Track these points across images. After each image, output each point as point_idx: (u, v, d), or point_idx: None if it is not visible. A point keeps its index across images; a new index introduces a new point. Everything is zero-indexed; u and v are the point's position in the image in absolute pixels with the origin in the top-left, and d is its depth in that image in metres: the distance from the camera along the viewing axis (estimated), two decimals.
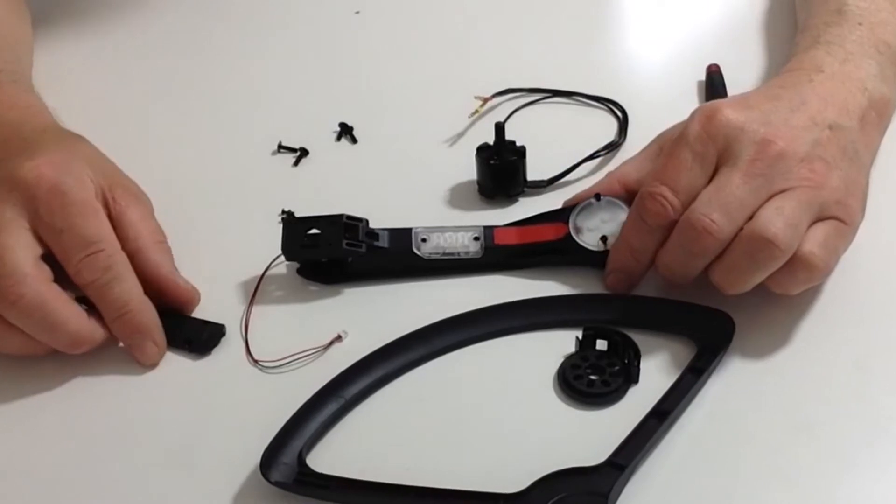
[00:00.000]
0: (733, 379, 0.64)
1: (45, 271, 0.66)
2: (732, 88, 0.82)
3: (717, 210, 0.63)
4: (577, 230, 0.71)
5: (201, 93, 0.89)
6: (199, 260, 0.73)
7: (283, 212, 0.76)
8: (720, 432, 0.61)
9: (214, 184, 0.80)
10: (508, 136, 0.75)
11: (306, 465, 0.60)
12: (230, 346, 0.68)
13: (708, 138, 0.65)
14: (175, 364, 0.68)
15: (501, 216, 0.74)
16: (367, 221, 0.71)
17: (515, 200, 0.76)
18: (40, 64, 0.88)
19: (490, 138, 0.76)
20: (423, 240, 0.72)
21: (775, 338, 0.66)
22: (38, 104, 0.77)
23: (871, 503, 0.58)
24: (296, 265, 0.72)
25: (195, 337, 0.68)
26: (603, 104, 0.84)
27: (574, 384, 0.64)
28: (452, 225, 0.73)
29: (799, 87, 0.69)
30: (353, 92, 0.87)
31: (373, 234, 0.71)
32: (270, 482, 0.59)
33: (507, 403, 0.64)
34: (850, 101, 0.68)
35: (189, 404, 0.66)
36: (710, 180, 0.65)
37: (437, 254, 0.72)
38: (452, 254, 0.72)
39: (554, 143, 0.80)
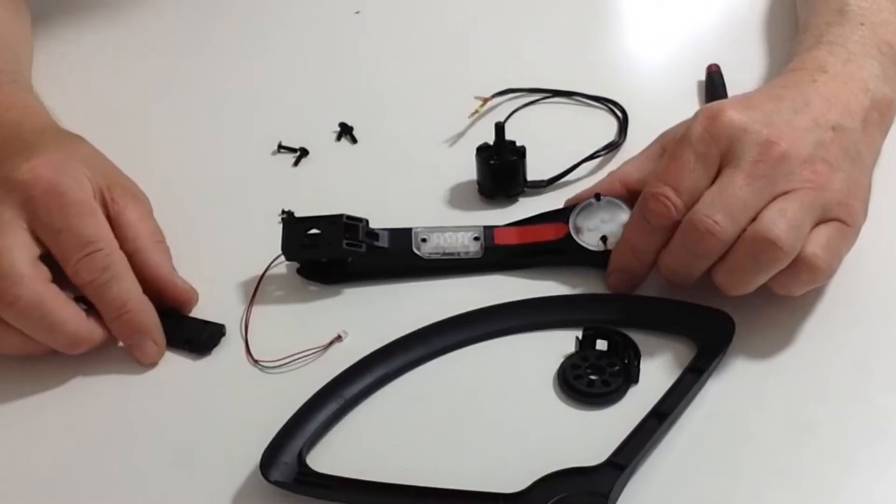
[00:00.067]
0: (733, 379, 0.64)
1: (44, 272, 0.66)
2: (732, 88, 0.82)
3: (720, 211, 0.63)
4: (578, 230, 0.71)
5: (201, 93, 0.89)
6: (198, 260, 0.73)
7: (283, 212, 0.76)
8: (720, 432, 0.61)
9: (214, 184, 0.80)
10: (508, 136, 0.75)
11: (306, 465, 0.60)
12: (230, 346, 0.68)
13: (711, 139, 0.65)
14: (175, 364, 0.68)
15: (501, 216, 0.74)
16: (367, 221, 0.71)
17: (515, 200, 0.76)
18: (40, 64, 0.88)
19: (490, 138, 0.76)
20: (423, 240, 0.72)
21: (776, 338, 0.66)
22: (36, 104, 0.77)
23: (872, 503, 0.58)
24: (296, 265, 0.72)
25: (195, 337, 0.68)
26: (603, 104, 0.84)
27: (574, 384, 0.64)
28: (452, 225, 0.73)
29: (802, 87, 0.69)
30: (353, 92, 0.87)
31: (373, 234, 0.71)
32: (270, 482, 0.59)
33: (507, 403, 0.64)
34: (853, 102, 0.68)
35: (189, 404, 0.66)
36: (713, 181, 0.65)
37: (437, 254, 0.72)
38: (452, 254, 0.72)
39: (554, 143, 0.80)
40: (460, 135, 0.82)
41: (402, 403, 0.65)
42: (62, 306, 0.65)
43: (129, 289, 0.67)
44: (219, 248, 0.75)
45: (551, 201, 0.74)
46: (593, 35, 0.94)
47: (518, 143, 0.76)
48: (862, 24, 0.74)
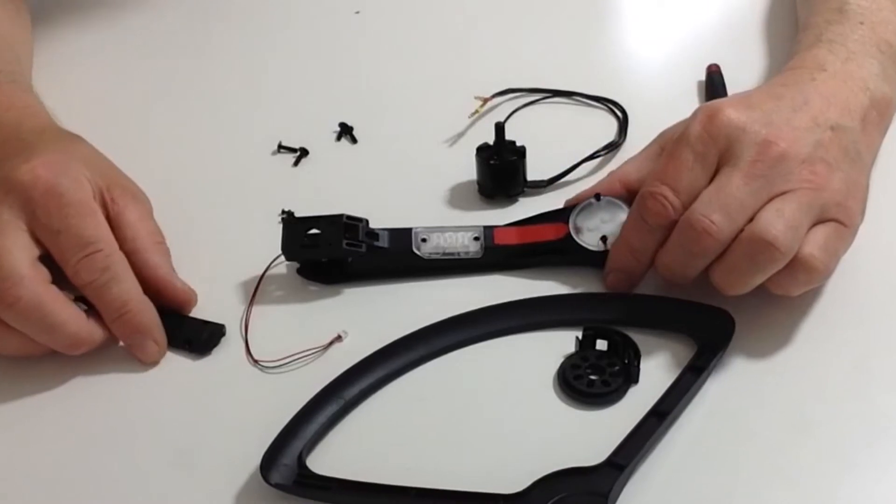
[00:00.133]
0: (733, 378, 0.64)
1: (43, 273, 0.66)
2: (732, 88, 0.82)
3: (718, 211, 0.63)
4: (577, 230, 0.71)
5: (201, 93, 0.89)
6: (199, 260, 0.73)
7: (283, 212, 0.76)
8: (720, 432, 0.61)
9: (214, 184, 0.80)
10: (508, 136, 0.75)
11: (306, 467, 0.60)
12: (230, 346, 0.68)
13: (709, 138, 0.65)
14: (175, 364, 0.68)
15: (501, 216, 0.74)
16: (366, 221, 0.71)
17: (515, 200, 0.76)
18: (40, 64, 0.88)
19: (490, 138, 0.76)
20: (423, 240, 0.72)
21: (775, 337, 0.66)
22: (36, 104, 0.77)
23: (872, 503, 0.58)
24: (296, 265, 0.72)
25: (195, 337, 0.68)
26: (603, 104, 0.83)
27: (574, 384, 0.64)
28: (452, 225, 0.73)
29: (801, 85, 0.69)
30: (353, 92, 0.87)
31: (373, 234, 0.71)
32: (270, 484, 0.59)
33: (507, 403, 0.64)
34: (852, 101, 0.68)
35: (189, 404, 0.66)
36: (711, 180, 0.65)
37: (437, 254, 0.72)
38: (452, 254, 0.72)
39: (554, 143, 0.80)
40: (460, 135, 0.82)
41: (402, 404, 0.65)
42: (62, 307, 0.65)
43: (129, 289, 0.67)
44: (219, 248, 0.75)
45: (551, 201, 0.74)
46: (593, 35, 0.93)
47: (518, 143, 0.76)
48: (861, 23, 0.74)
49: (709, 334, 0.65)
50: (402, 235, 0.72)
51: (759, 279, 0.63)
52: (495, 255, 0.72)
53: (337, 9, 0.96)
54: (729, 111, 0.65)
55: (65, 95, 0.84)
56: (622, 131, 0.81)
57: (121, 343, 0.68)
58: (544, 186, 0.77)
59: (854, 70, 0.70)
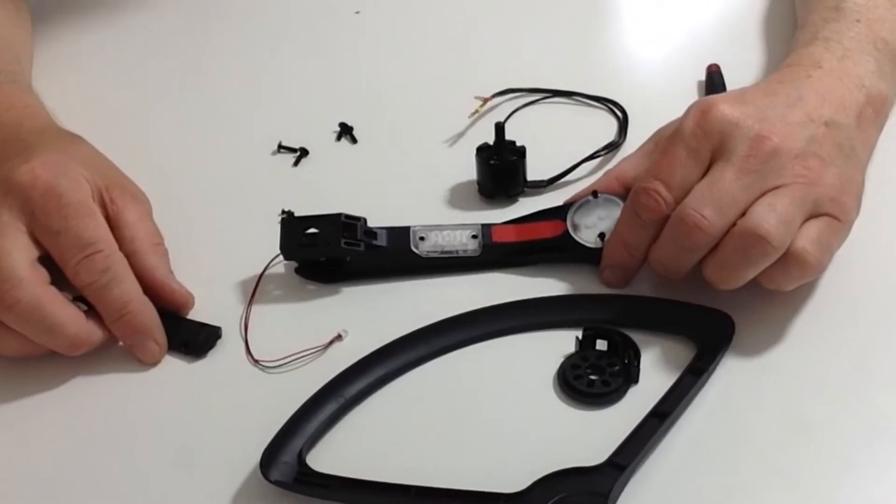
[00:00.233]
0: (733, 379, 0.64)
1: (43, 274, 0.66)
2: (732, 88, 0.81)
3: (709, 206, 0.63)
4: (575, 227, 0.71)
5: (201, 93, 0.89)
6: (198, 260, 0.73)
7: (283, 212, 0.75)
8: (720, 432, 0.61)
9: (214, 184, 0.80)
10: (508, 136, 0.75)
11: (306, 465, 0.60)
12: (230, 346, 0.68)
13: (702, 134, 0.65)
14: (175, 363, 0.68)
15: (501, 216, 0.74)
16: (365, 220, 0.71)
17: (515, 200, 0.76)
18: (40, 64, 0.88)
19: (490, 138, 0.76)
20: (422, 238, 0.72)
21: (775, 338, 0.66)
22: (36, 104, 0.77)
23: (872, 503, 0.58)
24: (294, 264, 0.72)
25: (192, 339, 0.68)
26: (603, 104, 0.84)
27: (574, 384, 0.64)
28: (450, 223, 0.73)
29: (796, 82, 0.69)
30: (353, 92, 0.87)
31: (371, 233, 0.71)
32: (270, 481, 0.59)
33: (507, 403, 0.64)
34: (848, 98, 0.68)
35: (189, 404, 0.66)
36: (704, 175, 0.65)
37: (436, 252, 0.72)
38: (451, 252, 0.72)
39: (554, 143, 0.80)
40: (460, 135, 0.82)
41: (402, 403, 0.65)
42: (61, 308, 0.65)
43: (129, 290, 0.67)
44: (218, 247, 0.75)
45: (551, 201, 0.74)
46: (593, 35, 0.93)
47: (518, 143, 0.76)
48: (858, 21, 0.74)
49: (709, 336, 0.65)
50: (400, 234, 0.72)
51: (751, 273, 0.63)
52: (493, 253, 0.72)
53: (337, 9, 0.96)
54: (722, 106, 0.65)
55: (65, 95, 0.84)
56: (622, 131, 0.81)
57: (120, 343, 0.68)
58: (544, 186, 0.77)
59: (850, 67, 0.70)
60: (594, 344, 0.66)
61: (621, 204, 0.70)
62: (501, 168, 0.75)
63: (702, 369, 0.63)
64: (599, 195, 0.71)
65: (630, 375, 0.64)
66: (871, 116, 0.69)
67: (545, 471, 0.58)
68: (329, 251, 0.70)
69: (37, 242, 0.67)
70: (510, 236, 0.72)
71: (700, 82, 0.84)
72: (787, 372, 0.64)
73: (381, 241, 0.71)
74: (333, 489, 0.59)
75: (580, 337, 0.66)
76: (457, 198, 0.77)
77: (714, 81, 0.83)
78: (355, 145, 0.83)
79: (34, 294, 0.64)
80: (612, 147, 0.79)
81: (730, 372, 0.64)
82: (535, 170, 0.76)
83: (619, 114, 0.82)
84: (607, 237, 0.69)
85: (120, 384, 0.67)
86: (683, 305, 0.67)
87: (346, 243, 0.70)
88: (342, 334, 0.68)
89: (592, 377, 0.64)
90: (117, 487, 0.62)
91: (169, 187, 0.77)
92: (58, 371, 0.67)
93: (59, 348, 0.66)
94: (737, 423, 0.62)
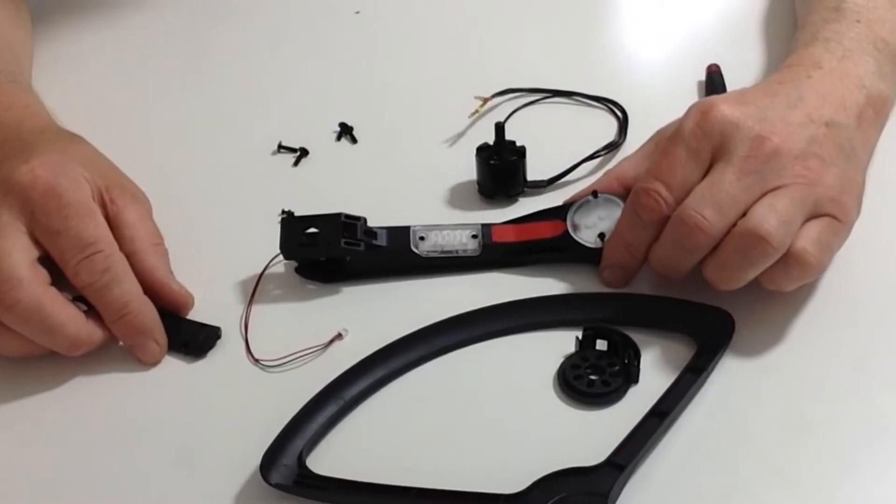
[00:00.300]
0: (733, 379, 0.64)
1: (43, 274, 0.66)
2: (732, 88, 0.81)
3: (710, 207, 0.63)
4: (575, 227, 0.71)
5: (201, 93, 0.89)
6: (198, 259, 0.73)
7: (283, 212, 0.75)
8: (720, 432, 0.61)
9: (214, 184, 0.80)
10: (508, 136, 0.75)
11: (306, 467, 0.60)
12: (230, 346, 0.68)
13: (703, 134, 0.65)
14: (175, 363, 0.68)
15: (501, 216, 0.74)
16: (364, 220, 0.71)
17: (515, 200, 0.76)
18: (40, 64, 0.88)
19: (490, 138, 0.76)
20: (422, 238, 0.72)
21: (775, 337, 0.66)
22: (36, 104, 0.77)
23: (871, 503, 0.58)
24: (294, 264, 0.72)
25: (191, 339, 0.68)
26: (603, 104, 0.84)
27: (574, 384, 0.64)
28: (450, 223, 0.73)
29: (797, 82, 0.69)
30: (353, 92, 0.87)
31: (371, 233, 0.71)
32: (270, 484, 0.59)
33: (507, 403, 0.64)
34: (848, 98, 0.68)
35: (189, 404, 0.66)
36: (704, 176, 0.65)
37: (436, 252, 0.72)
38: (450, 252, 0.72)
39: (554, 143, 0.80)
40: (460, 135, 0.82)
41: (401, 404, 0.65)
42: (61, 309, 0.65)
43: (129, 290, 0.67)
44: (218, 247, 0.75)
45: (551, 201, 0.74)
46: (593, 35, 0.93)
47: (518, 143, 0.76)
48: (858, 21, 0.74)
49: (709, 334, 0.65)
50: (400, 234, 0.72)
51: (751, 274, 0.63)
52: (493, 253, 0.72)
53: (337, 9, 0.96)
54: (723, 107, 0.65)
55: (65, 95, 0.84)
56: (622, 131, 0.81)
57: (121, 343, 0.68)
58: (544, 186, 0.77)
59: (850, 68, 0.70)
60: (594, 344, 0.66)
61: (621, 204, 0.70)
62: (501, 168, 0.75)
63: (702, 367, 0.63)
64: (599, 195, 0.71)
65: (630, 375, 0.64)
66: (871, 117, 0.69)
67: (545, 471, 0.58)
68: (329, 251, 0.70)
69: (37, 243, 0.67)
70: (510, 236, 0.72)
71: (700, 82, 0.84)
72: (787, 372, 0.64)
73: (381, 240, 0.71)
74: (333, 492, 0.59)
75: (580, 337, 0.66)
76: (457, 198, 0.77)
77: (714, 81, 0.83)
78: (355, 145, 0.83)
79: (34, 294, 0.64)
80: (612, 147, 0.79)
81: (730, 372, 0.64)
82: (535, 170, 0.76)
83: (619, 114, 0.82)
84: (607, 237, 0.69)
85: (120, 384, 0.67)
86: (683, 303, 0.67)
87: (346, 243, 0.70)
88: (342, 333, 0.68)
89: (592, 377, 0.64)
90: (117, 487, 0.62)
91: (169, 187, 0.77)
92: (58, 371, 0.67)
93: (59, 348, 0.66)
94: (737, 422, 0.62)
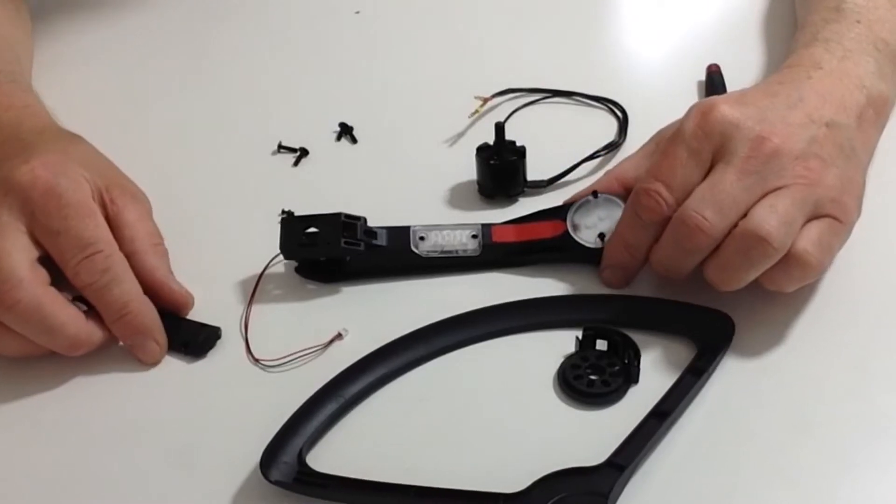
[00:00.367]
0: (733, 379, 0.64)
1: (42, 274, 0.66)
2: (732, 88, 0.81)
3: (710, 207, 0.63)
4: (575, 227, 0.71)
5: (201, 93, 0.89)
6: (198, 260, 0.73)
7: (283, 212, 0.75)
8: (720, 432, 0.61)
9: (214, 184, 0.80)
10: (508, 136, 0.75)
11: (306, 465, 0.60)
12: (230, 346, 0.68)
13: (703, 135, 0.65)
14: (175, 363, 0.68)
15: (501, 216, 0.74)
16: (364, 220, 0.71)
17: (515, 200, 0.76)
18: (40, 64, 0.88)
19: (490, 138, 0.76)
20: (422, 238, 0.72)
21: (775, 338, 0.66)
22: (36, 104, 0.77)
23: (871, 503, 0.58)
24: (294, 264, 0.72)
25: (192, 339, 0.68)
26: (603, 104, 0.84)
27: (574, 384, 0.64)
28: (450, 223, 0.73)
29: (797, 83, 0.69)
30: (353, 92, 0.87)
31: (371, 233, 0.71)
32: (270, 481, 0.59)
33: (507, 403, 0.64)
34: (848, 99, 0.68)
35: (189, 404, 0.66)
36: (705, 176, 0.65)
37: (436, 252, 0.72)
38: (450, 252, 0.72)
39: (554, 143, 0.80)
40: (460, 135, 0.82)
41: (401, 403, 0.65)
42: (61, 309, 0.65)
43: (129, 290, 0.67)
44: (218, 247, 0.75)
45: (551, 201, 0.74)
46: (593, 35, 0.94)
47: (518, 143, 0.76)
48: (858, 22, 0.74)
49: (709, 336, 0.65)
50: (400, 234, 0.72)
51: (752, 275, 0.63)
52: (493, 253, 0.72)
53: (337, 9, 0.96)
54: (723, 107, 0.65)
55: (65, 95, 0.84)
56: (622, 131, 0.81)
57: (121, 343, 0.68)
58: (544, 186, 0.77)
59: (850, 68, 0.70)
60: (594, 344, 0.66)
61: (621, 204, 0.70)
62: (501, 168, 0.75)
63: (702, 369, 0.63)
64: (599, 195, 0.71)
65: (630, 375, 0.64)
66: (871, 117, 0.69)
67: (545, 471, 0.58)
68: (329, 251, 0.70)
69: (37, 243, 0.67)
70: (510, 236, 0.72)
71: (700, 82, 0.84)
72: (788, 372, 0.64)
73: (381, 240, 0.71)
74: (333, 489, 0.59)
75: (580, 337, 0.66)
76: (457, 198, 0.77)
77: (714, 81, 0.83)
78: (355, 145, 0.83)
79: (34, 295, 0.64)
80: (612, 147, 0.79)
81: (730, 372, 0.64)
82: (535, 170, 0.76)
83: (619, 114, 0.82)
84: (607, 237, 0.69)
85: (120, 384, 0.67)
86: (683, 305, 0.67)
87: (345, 243, 0.70)
88: (342, 333, 0.68)
89: (592, 377, 0.64)
90: (117, 487, 0.62)
91: (169, 187, 0.77)
92: (58, 371, 0.67)
93: (59, 349, 0.66)
94: (737, 423, 0.62)
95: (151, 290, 0.69)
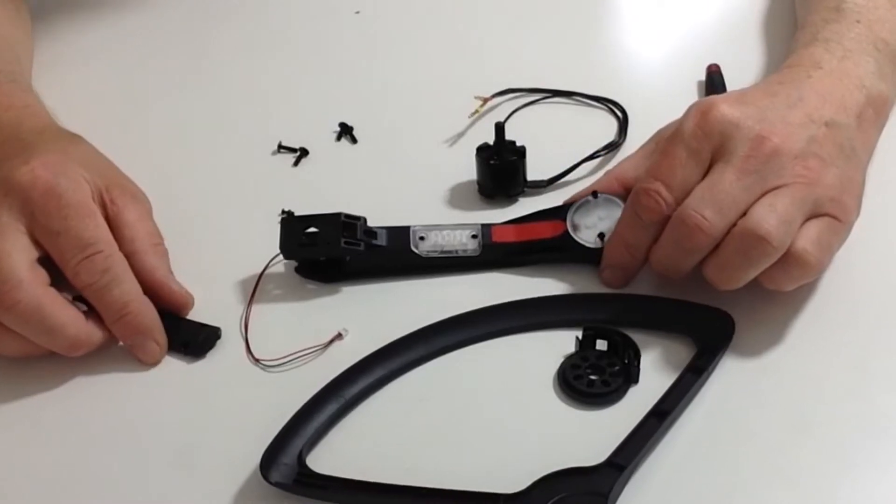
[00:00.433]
0: (733, 379, 0.64)
1: (42, 275, 0.66)
2: (732, 88, 0.81)
3: (710, 207, 0.63)
4: (575, 227, 0.71)
5: (201, 93, 0.89)
6: (198, 259, 0.73)
7: (283, 212, 0.75)
8: (720, 432, 0.61)
9: (214, 184, 0.80)
10: (508, 136, 0.75)
11: (306, 466, 0.60)
12: (230, 346, 0.68)
13: (703, 134, 0.65)
14: (175, 363, 0.68)
15: (501, 216, 0.74)
16: (364, 220, 0.71)
17: (515, 200, 0.76)
18: (40, 64, 0.88)
19: (490, 138, 0.76)
20: (422, 238, 0.72)
21: (775, 338, 0.66)
22: (36, 104, 0.77)
23: (871, 503, 0.58)
24: (294, 264, 0.72)
25: (191, 339, 0.68)
26: (603, 104, 0.84)
27: (574, 384, 0.64)
28: (450, 223, 0.73)
29: (797, 83, 0.69)
30: (353, 92, 0.87)
31: (371, 233, 0.71)
32: (270, 483, 0.59)
33: (507, 403, 0.64)
34: (848, 99, 0.68)
35: (189, 404, 0.66)
36: (704, 176, 0.65)
37: (436, 252, 0.72)
38: (450, 252, 0.72)
39: (554, 143, 0.80)
40: (460, 135, 0.82)
41: (402, 403, 0.65)
42: (61, 309, 0.65)
43: (129, 290, 0.67)
44: (218, 247, 0.75)
45: (551, 201, 0.74)
46: (593, 35, 0.94)
47: (518, 143, 0.76)
48: (858, 21, 0.74)
49: (709, 335, 0.65)
50: (400, 234, 0.72)
51: (751, 274, 0.63)
52: (493, 253, 0.72)
53: (337, 9, 0.96)
54: (723, 107, 0.65)
55: (65, 95, 0.84)
56: (622, 131, 0.81)
57: (121, 343, 0.68)
58: (544, 186, 0.77)
59: (850, 68, 0.70)
60: (594, 344, 0.66)
61: (621, 204, 0.70)
62: (501, 168, 0.75)
63: (702, 368, 0.63)
64: (599, 195, 0.71)
65: (630, 375, 0.64)
66: (871, 117, 0.69)
67: (545, 471, 0.58)
68: (329, 251, 0.70)
69: (36, 243, 0.67)
70: (510, 236, 0.72)
71: (700, 82, 0.84)
72: (787, 372, 0.64)
73: (381, 240, 0.71)
74: (333, 490, 0.59)
75: (580, 337, 0.66)
76: (457, 198, 0.77)
77: (714, 81, 0.83)
78: (355, 145, 0.83)
79: (34, 295, 0.64)
80: (612, 147, 0.79)
81: (730, 372, 0.64)
82: (535, 170, 0.76)
83: (619, 114, 0.82)
84: (607, 237, 0.69)
85: (120, 384, 0.67)
86: (683, 304, 0.67)
87: (345, 243, 0.70)
88: (342, 333, 0.68)
89: (592, 377, 0.64)
90: (117, 487, 0.62)
91: (169, 187, 0.77)
92: (58, 371, 0.67)
93: (59, 349, 0.66)
94: (737, 423, 0.62)
95: (151, 290, 0.69)
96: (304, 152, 0.82)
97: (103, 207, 0.69)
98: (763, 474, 0.59)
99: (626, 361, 0.64)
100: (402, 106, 0.86)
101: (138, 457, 0.63)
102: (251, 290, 0.71)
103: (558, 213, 0.72)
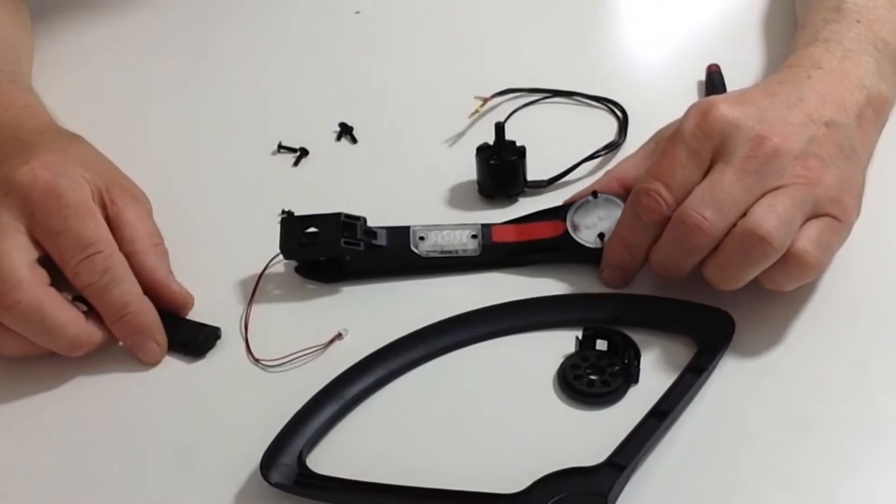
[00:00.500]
0: (733, 379, 0.64)
1: (42, 275, 0.66)
2: (732, 88, 0.82)
3: (710, 207, 0.63)
4: (575, 227, 0.71)
5: (201, 93, 0.89)
6: (198, 259, 0.73)
7: (283, 212, 0.75)
8: (720, 432, 0.61)
9: (214, 184, 0.80)
10: (508, 136, 0.75)
11: (306, 467, 0.60)
12: (230, 346, 0.68)
13: (703, 135, 0.65)
14: (175, 363, 0.68)
15: (501, 216, 0.74)
16: (364, 220, 0.71)
17: (515, 200, 0.76)
18: (40, 64, 0.88)
19: (490, 138, 0.76)
20: (421, 238, 0.72)
21: (775, 338, 0.66)
22: (36, 104, 0.77)
23: (871, 503, 0.58)
24: (294, 264, 0.72)
25: (191, 339, 0.68)
26: (603, 104, 0.84)
27: (574, 384, 0.64)
28: (450, 223, 0.73)
29: (797, 83, 0.69)
30: (353, 92, 0.87)
31: (371, 233, 0.71)
32: (270, 483, 0.59)
33: (507, 403, 0.64)
34: (848, 98, 0.68)
35: (189, 404, 0.66)
36: (704, 176, 0.65)
37: (436, 252, 0.72)
38: (450, 252, 0.72)
39: (554, 143, 0.80)
40: (460, 135, 0.82)
41: (402, 403, 0.65)
42: (61, 310, 0.65)
43: (129, 290, 0.67)
44: (218, 247, 0.75)
45: (551, 201, 0.74)
46: (593, 35, 0.94)
47: (518, 143, 0.76)
48: (858, 21, 0.74)
49: (709, 335, 0.65)
50: (400, 234, 0.72)
51: (751, 274, 0.63)
52: (493, 253, 0.72)
53: (337, 9, 0.96)
54: (723, 107, 0.65)
55: (65, 95, 0.84)
56: (622, 131, 0.81)
57: (121, 343, 0.68)
58: (544, 186, 0.77)
59: (850, 68, 0.70)
60: (594, 344, 0.66)
61: (621, 204, 0.70)
62: (501, 168, 0.75)
63: (702, 368, 0.63)
64: (599, 195, 0.71)
65: (630, 375, 0.64)
66: (871, 117, 0.69)
67: (545, 471, 0.58)
68: (329, 251, 0.70)
69: (36, 243, 0.67)
70: (510, 236, 0.72)
71: (700, 82, 0.84)
72: (787, 372, 0.64)
73: (381, 240, 0.71)
74: (333, 491, 0.59)
75: (580, 337, 0.66)
76: (457, 198, 0.77)
77: (714, 81, 0.83)
78: (355, 145, 0.83)
79: (34, 295, 0.64)
80: (612, 147, 0.79)
81: (730, 372, 0.64)
82: (535, 170, 0.76)
83: (619, 114, 0.82)
84: (607, 237, 0.69)
85: (120, 384, 0.67)
86: (683, 304, 0.67)
87: (345, 243, 0.70)
88: (342, 333, 0.68)
89: (592, 377, 0.64)
90: (117, 487, 0.62)
91: (169, 187, 0.77)
92: (58, 371, 0.67)
93: (59, 349, 0.66)
94: (737, 423, 0.62)
95: (151, 290, 0.69)
96: (304, 152, 0.82)
97: (103, 207, 0.69)
98: (763, 474, 0.59)
99: (626, 361, 0.64)
100: (402, 106, 0.86)
101: (138, 457, 0.63)
102: (251, 290, 0.71)
103: (558, 213, 0.72)
